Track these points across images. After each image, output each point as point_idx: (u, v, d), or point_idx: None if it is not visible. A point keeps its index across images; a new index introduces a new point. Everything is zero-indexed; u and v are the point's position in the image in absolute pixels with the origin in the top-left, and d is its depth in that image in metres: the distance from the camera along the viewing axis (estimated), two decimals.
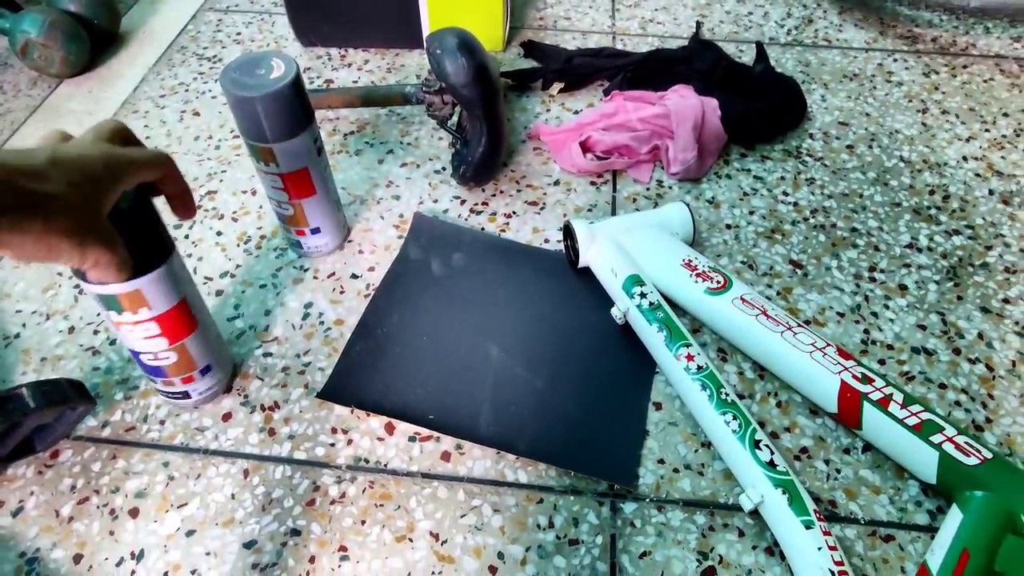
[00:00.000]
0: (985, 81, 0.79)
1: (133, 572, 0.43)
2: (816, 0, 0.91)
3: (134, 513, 0.45)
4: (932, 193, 0.66)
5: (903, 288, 0.58)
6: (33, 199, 0.29)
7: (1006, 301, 0.57)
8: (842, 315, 0.56)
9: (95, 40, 0.80)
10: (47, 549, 0.44)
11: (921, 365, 0.53)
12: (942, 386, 0.52)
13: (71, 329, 0.55)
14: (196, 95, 0.77)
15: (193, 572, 0.43)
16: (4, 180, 0.29)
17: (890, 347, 0.54)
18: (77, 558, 0.43)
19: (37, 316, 0.56)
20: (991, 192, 0.66)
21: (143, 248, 0.39)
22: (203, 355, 0.47)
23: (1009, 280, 0.58)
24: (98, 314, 0.56)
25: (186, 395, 0.49)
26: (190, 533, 0.44)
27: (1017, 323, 0.55)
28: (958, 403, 0.51)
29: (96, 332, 0.55)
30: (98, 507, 0.46)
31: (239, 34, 0.86)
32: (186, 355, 0.46)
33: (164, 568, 0.43)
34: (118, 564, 0.43)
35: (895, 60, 0.82)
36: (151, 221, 0.40)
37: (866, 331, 0.55)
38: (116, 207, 0.34)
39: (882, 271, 0.59)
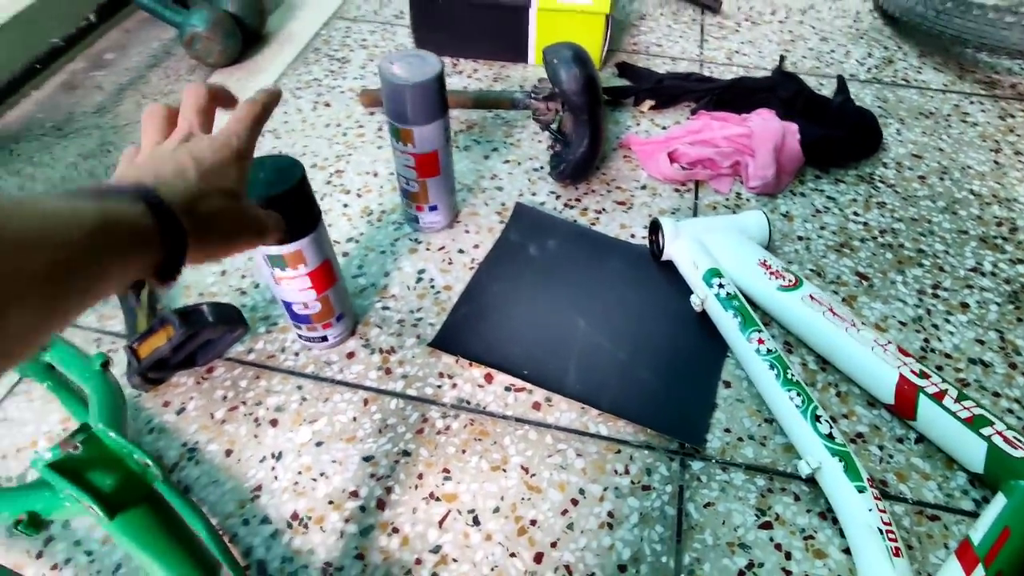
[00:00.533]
0: None
1: (273, 468, 0.51)
2: (897, 43, 0.96)
3: (274, 423, 0.54)
4: (1000, 225, 0.70)
5: (965, 306, 0.62)
6: (237, 215, 0.35)
7: None
8: (904, 324, 0.61)
9: (245, 37, 0.92)
10: (204, 443, 0.53)
11: (977, 374, 0.57)
12: (996, 394, 0.56)
13: (223, 272, 0.65)
14: (328, 89, 0.88)
15: (321, 474, 0.51)
16: (233, 208, 0.34)
17: (948, 356, 0.58)
18: (227, 452, 0.52)
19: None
20: None
21: (303, 217, 0.48)
22: (339, 305, 0.56)
23: None
24: (249, 259, 0.66)
25: (324, 339, 0.57)
26: (319, 444, 0.53)
27: None
28: (1010, 411, 0.55)
29: (243, 277, 0.65)
30: (245, 415, 0.54)
31: (364, 40, 0.97)
32: (328, 304, 0.55)
33: (298, 468, 0.51)
34: (261, 461, 0.52)
35: (971, 102, 0.86)
36: (307, 196, 0.49)
37: (926, 340, 0.60)
38: (288, 187, 0.44)
39: (945, 289, 0.64)
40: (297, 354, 0.59)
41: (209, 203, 0.33)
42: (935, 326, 0.61)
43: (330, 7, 1.04)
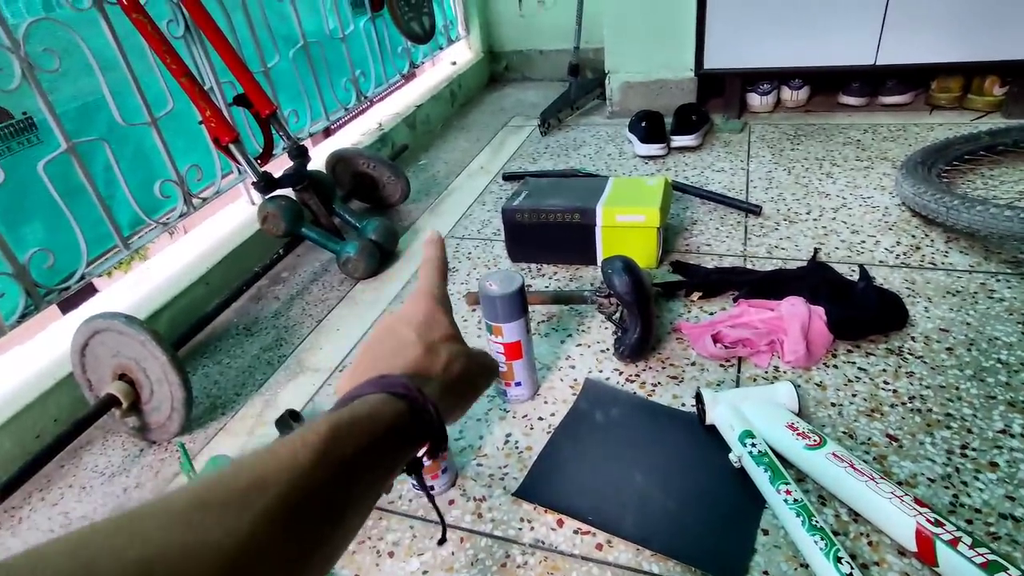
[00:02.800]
0: None
1: None
2: (924, 232, 1.10)
3: (391, 555, 0.69)
4: None
5: (994, 465, 0.69)
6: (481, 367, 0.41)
7: None
8: (932, 480, 0.68)
9: (383, 256, 1.22)
10: (337, 569, 0.68)
11: (1008, 528, 0.62)
12: None
13: None
14: None
15: None
16: (461, 350, 0.38)
17: (978, 511, 0.64)
18: None
19: None
20: None
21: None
22: (444, 462, 0.73)
23: None
24: None
25: (432, 488, 0.74)
26: (425, 572, 0.66)
27: None
28: None
29: None
30: (369, 547, 0.70)
31: (470, 254, 1.25)
32: (435, 461, 0.72)
33: None
34: None
35: (998, 280, 0.96)
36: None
37: (955, 495, 0.66)
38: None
39: (974, 449, 0.71)
40: (411, 500, 0.75)
41: (438, 358, 0.37)
42: (964, 483, 0.67)
43: (444, 229, 1.34)
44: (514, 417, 0.84)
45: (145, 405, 0.87)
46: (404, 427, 0.32)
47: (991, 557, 0.55)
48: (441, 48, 2.12)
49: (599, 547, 0.66)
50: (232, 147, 1.09)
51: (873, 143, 1.45)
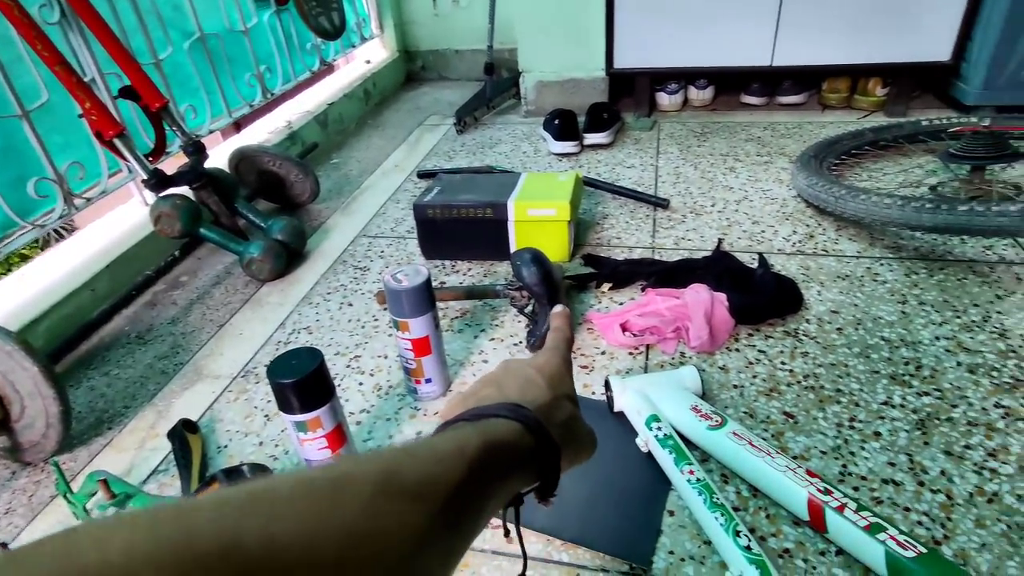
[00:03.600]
0: (959, 279, 0.97)
1: None
2: (817, 221, 1.17)
3: None
4: (907, 364, 0.82)
5: (877, 434, 0.73)
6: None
7: (967, 447, 0.70)
8: (824, 453, 0.71)
9: (290, 257, 1.17)
10: None
11: (890, 492, 0.66)
12: (907, 509, 0.64)
13: (260, 443, 0.81)
14: (351, 292, 1.10)
15: None
16: (577, 414, 0.38)
17: (864, 478, 0.68)
18: None
19: (239, 434, 0.82)
20: (959, 364, 0.81)
21: (321, 391, 0.65)
22: None
23: (971, 431, 0.72)
24: (282, 431, 0.81)
25: None
26: None
27: (976, 464, 0.68)
28: (920, 523, 0.63)
29: (276, 445, 0.80)
30: None
31: (382, 252, 1.22)
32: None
33: None
34: None
35: (881, 264, 1.03)
36: (324, 375, 0.65)
37: (844, 465, 0.70)
38: (310, 369, 0.61)
39: (860, 421, 0.75)
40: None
41: (561, 411, 0.37)
42: (852, 453, 0.71)
43: (356, 228, 1.31)
44: (425, 415, 0.82)
45: (16, 423, 0.79)
46: (530, 460, 0.33)
47: (873, 520, 0.58)
48: (354, 46, 2.07)
49: (509, 539, 0.65)
50: (117, 142, 1.01)
51: (772, 140, 1.53)
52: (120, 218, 1.25)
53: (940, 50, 1.48)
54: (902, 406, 0.76)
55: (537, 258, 0.85)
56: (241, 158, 1.33)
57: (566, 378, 0.41)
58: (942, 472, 0.68)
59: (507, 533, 0.41)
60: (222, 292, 1.14)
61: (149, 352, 1.00)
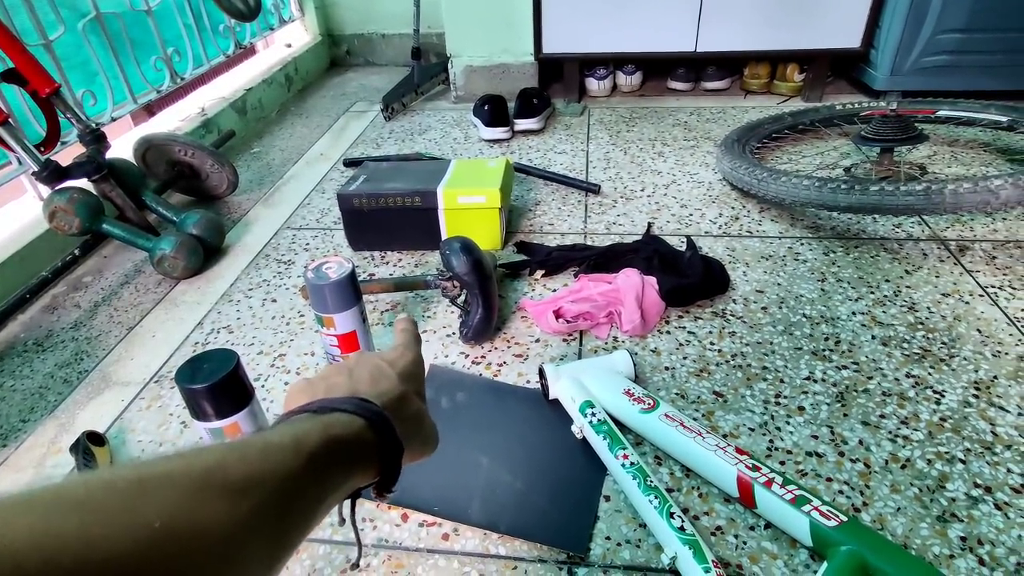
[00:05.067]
0: (872, 256, 1.02)
1: None
2: (742, 204, 1.20)
3: None
4: (827, 339, 0.86)
5: (801, 409, 0.75)
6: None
7: (882, 416, 0.74)
8: (752, 430, 0.73)
9: (206, 252, 1.10)
10: None
11: (813, 464, 0.68)
12: (829, 479, 0.67)
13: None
14: (274, 288, 1.04)
15: None
16: (424, 411, 0.38)
17: (789, 452, 0.70)
18: None
19: (152, 444, 0.77)
20: (873, 337, 0.85)
21: (238, 395, 0.61)
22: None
23: (885, 400, 0.76)
24: (199, 439, 0.76)
25: None
26: None
27: (890, 432, 0.71)
28: (841, 492, 0.65)
29: None
30: None
31: (307, 244, 1.16)
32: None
33: None
34: None
35: (802, 244, 1.06)
36: (241, 378, 0.61)
37: (771, 441, 0.72)
38: (226, 372, 0.57)
39: (785, 397, 0.77)
40: None
41: (410, 406, 0.37)
42: (778, 428, 0.73)
43: (279, 220, 1.25)
44: None
45: None
46: (371, 457, 0.33)
47: (798, 492, 0.60)
48: (272, 29, 1.97)
49: (445, 537, 0.64)
50: (1, 131, 0.92)
51: (698, 124, 1.56)
52: (11, 215, 1.14)
53: (851, 38, 1.55)
54: (823, 380, 0.79)
55: (467, 247, 0.83)
56: (148, 147, 1.24)
57: (417, 374, 0.41)
58: (860, 442, 0.71)
59: (342, 523, 0.42)
60: (131, 292, 1.06)
61: (49, 360, 0.92)
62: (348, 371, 0.38)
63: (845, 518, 0.57)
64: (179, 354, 0.91)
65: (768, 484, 0.61)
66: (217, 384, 0.58)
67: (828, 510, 0.58)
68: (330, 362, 0.78)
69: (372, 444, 0.32)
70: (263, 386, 0.84)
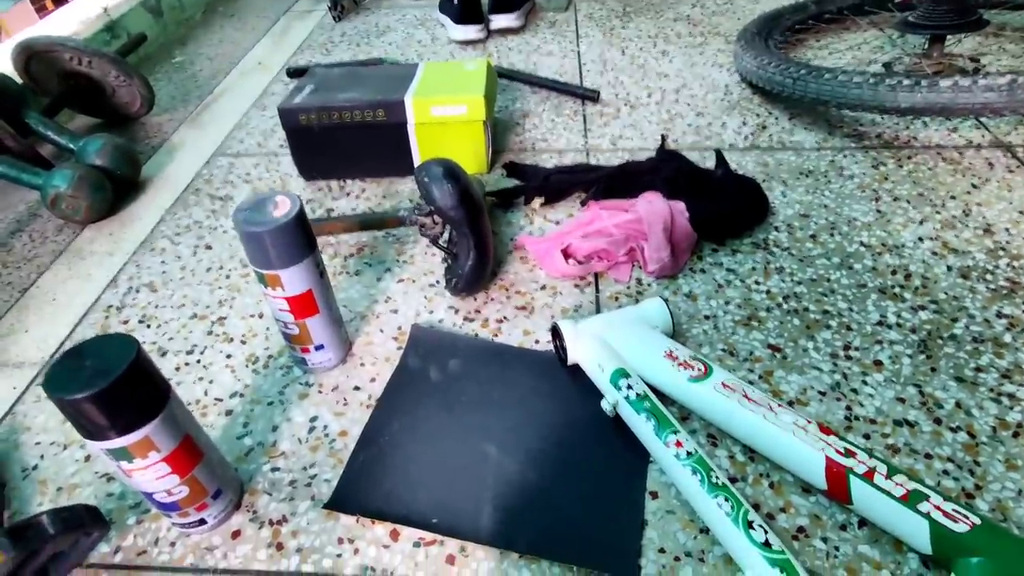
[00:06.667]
0: (930, 169, 0.86)
1: None
2: (767, 109, 1.01)
3: None
4: (894, 273, 0.71)
5: (878, 363, 0.61)
6: None
7: (978, 369, 0.60)
8: (823, 393, 0.58)
9: (117, 188, 0.88)
10: None
11: (905, 437, 0.55)
12: (928, 456, 0.53)
13: (87, 457, 0.58)
14: (209, 231, 0.84)
15: None
16: None
17: (873, 421, 0.56)
18: None
19: (55, 447, 0.59)
20: (949, 268, 0.71)
21: (143, 400, 0.43)
22: (213, 481, 0.49)
23: (978, 349, 0.61)
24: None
25: (202, 522, 0.50)
26: None
27: (992, 390, 0.58)
28: (946, 472, 0.52)
29: None
30: None
31: (248, 174, 0.95)
32: (197, 485, 0.48)
33: None
34: None
35: (845, 156, 0.89)
36: (146, 375, 0.43)
37: (848, 407, 0.57)
38: (119, 373, 0.39)
39: (856, 348, 0.62)
40: (173, 544, 0.51)
41: None
42: (854, 391, 0.59)
43: (211, 145, 1.02)
44: (320, 392, 0.62)
45: None
46: None
47: (911, 486, 0.46)
48: None
49: (451, 559, 0.48)
50: None
51: (703, 18, 1.34)
52: None
53: None
54: (899, 325, 0.65)
55: (451, 172, 0.64)
56: (31, 56, 0.97)
57: None
58: (957, 404, 0.57)
59: None
60: (23, 243, 0.84)
61: None
62: None
63: (977, 520, 0.44)
64: (87, 322, 0.71)
65: (869, 475, 0.47)
66: (108, 388, 0.39)
67: (954, 509, 0.44)
68: (283, 330, 0.60)
69: None
70: (199, 361, 0.66)
